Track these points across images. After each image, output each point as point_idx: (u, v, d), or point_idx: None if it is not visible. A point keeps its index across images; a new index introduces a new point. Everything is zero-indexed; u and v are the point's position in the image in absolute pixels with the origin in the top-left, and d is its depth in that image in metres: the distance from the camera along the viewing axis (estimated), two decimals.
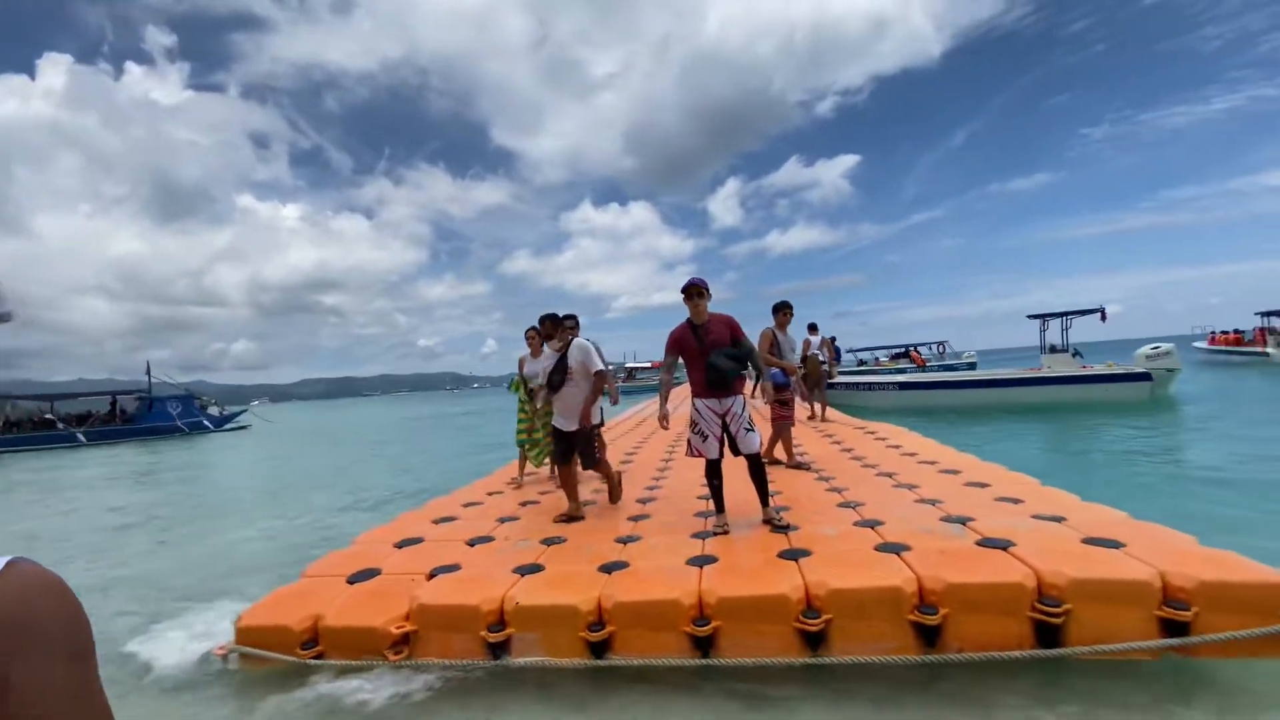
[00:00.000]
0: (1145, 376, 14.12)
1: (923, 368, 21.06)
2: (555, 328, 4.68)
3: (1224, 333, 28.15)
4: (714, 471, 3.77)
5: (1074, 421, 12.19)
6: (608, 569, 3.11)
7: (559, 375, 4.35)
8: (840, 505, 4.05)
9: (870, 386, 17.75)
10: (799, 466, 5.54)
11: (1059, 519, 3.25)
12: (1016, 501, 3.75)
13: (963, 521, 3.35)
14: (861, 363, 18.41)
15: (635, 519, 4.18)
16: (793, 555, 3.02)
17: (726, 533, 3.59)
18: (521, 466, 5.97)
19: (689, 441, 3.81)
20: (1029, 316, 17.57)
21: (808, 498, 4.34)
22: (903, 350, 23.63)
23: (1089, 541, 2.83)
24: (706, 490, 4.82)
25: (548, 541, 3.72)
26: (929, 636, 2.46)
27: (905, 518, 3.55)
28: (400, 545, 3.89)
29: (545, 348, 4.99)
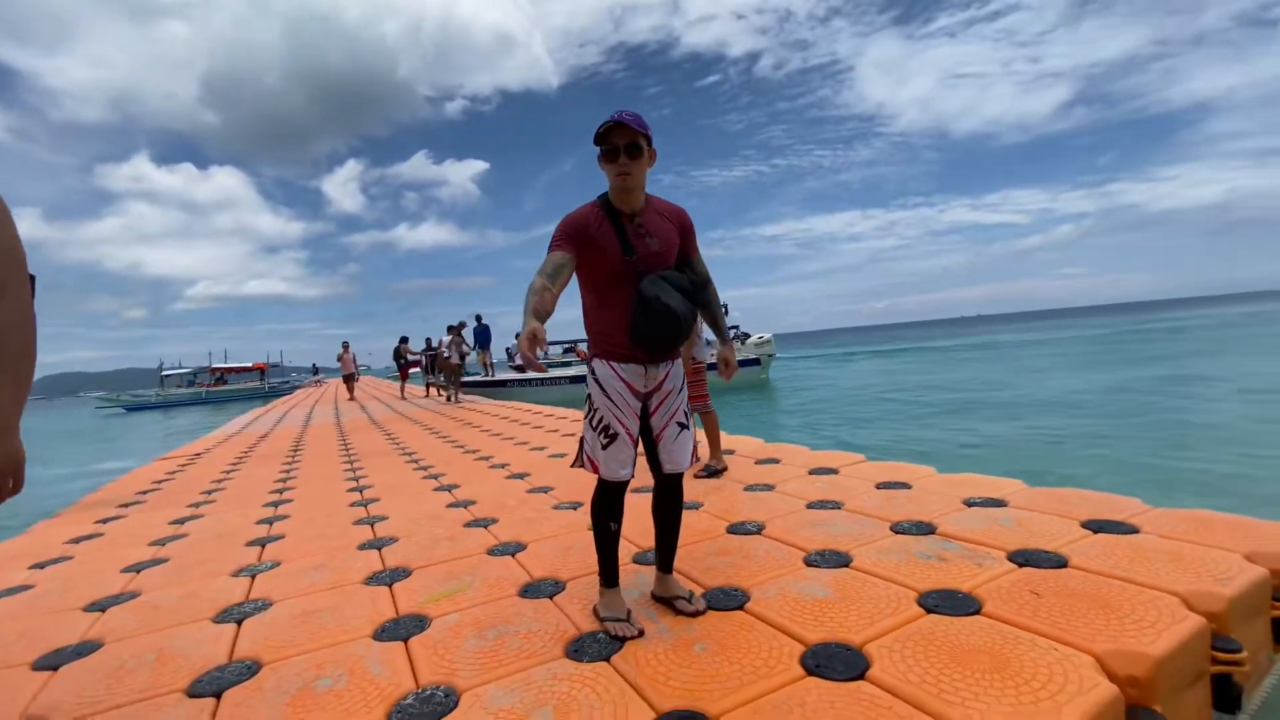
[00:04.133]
0: (756, 362, 18.03)
1: (585, 361, 22.04)
2: None
3: None
4: (614, 504, 1.90)
5: (721, 398, 14.26)
6: None
7: None
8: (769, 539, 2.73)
9: (542, 382, 17.58)
10: (714, 474, 3.79)
11: (999, 503, 2.71)
12: (900, 485, 3.16)
13: (931, 529, 2.49)
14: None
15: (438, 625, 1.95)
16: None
17: (640, 634, 1.83)
18: None
19: (580, 441, 1.93)
20: None
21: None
22: (569, 345, 24.40)
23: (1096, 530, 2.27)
24: (443, 531, 2.61)
25: None
26: None
27: (855, 535, 2.48)
28: None
29: None
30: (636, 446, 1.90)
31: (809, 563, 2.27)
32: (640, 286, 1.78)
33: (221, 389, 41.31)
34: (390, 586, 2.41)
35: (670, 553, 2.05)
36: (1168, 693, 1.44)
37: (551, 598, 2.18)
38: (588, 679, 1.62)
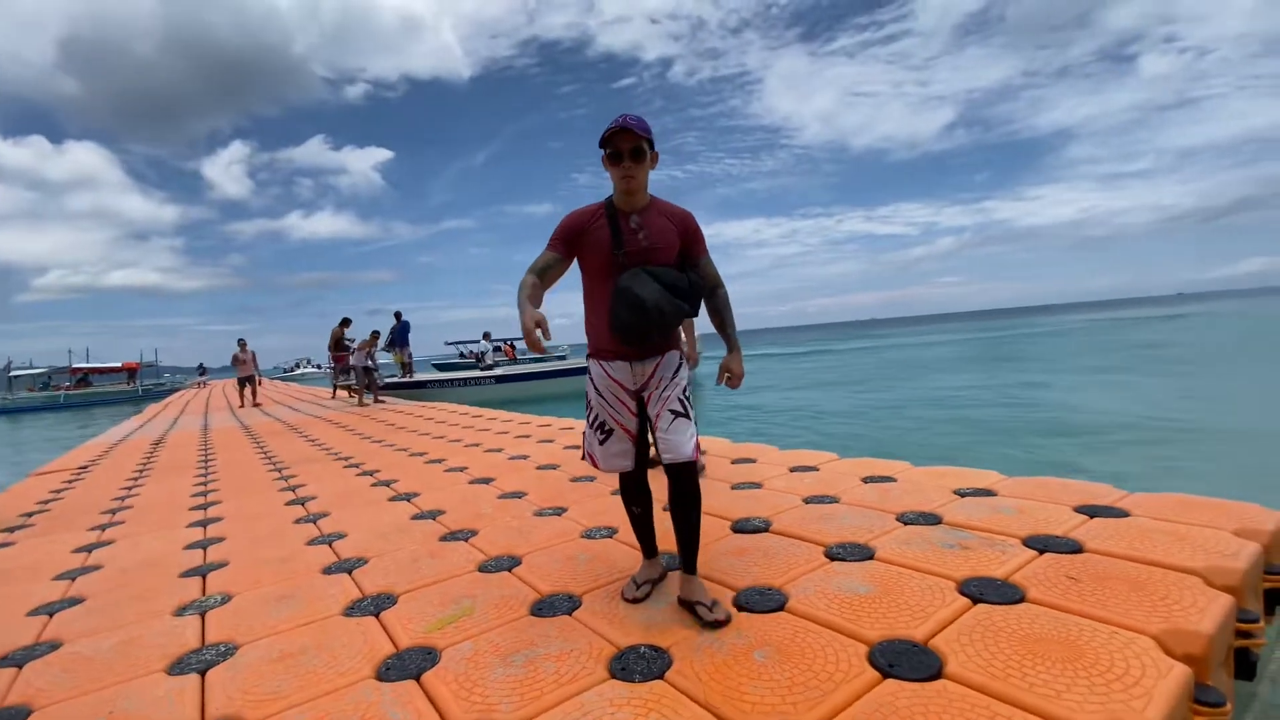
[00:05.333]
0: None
1: (514, 360, 21.39)
2: None
3: None
4: (628, 492, 2.09)
5: None
6: None
7: None
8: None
9: (466, 382, 16.85)
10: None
11: (988, 492, 2.81)
12: (886, 479, 3.23)
13: (937, 520, 2.53)
14: (461, 355, 17.22)
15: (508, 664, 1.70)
16: None
17: (636, 600, 2.01)
18: None
19: (583, 437, 2.06)
20: None
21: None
22: (498, 345, 23.63)
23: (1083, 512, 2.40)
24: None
25: None
26: None
27: (865, 528, 2.47)
28: None
29: None
30: (635, 440, 1.97)
31: (832, 556, 2.24)
32: (619, 278, 1.80)
33: (84, 392, 36.31)
34: (377, 616, 2.11)
35: (690, 552, 1.95)
36: (1215, 667, 1.52)
37: (570, 614, 1.99)
38: (649, 701, 1.47)
